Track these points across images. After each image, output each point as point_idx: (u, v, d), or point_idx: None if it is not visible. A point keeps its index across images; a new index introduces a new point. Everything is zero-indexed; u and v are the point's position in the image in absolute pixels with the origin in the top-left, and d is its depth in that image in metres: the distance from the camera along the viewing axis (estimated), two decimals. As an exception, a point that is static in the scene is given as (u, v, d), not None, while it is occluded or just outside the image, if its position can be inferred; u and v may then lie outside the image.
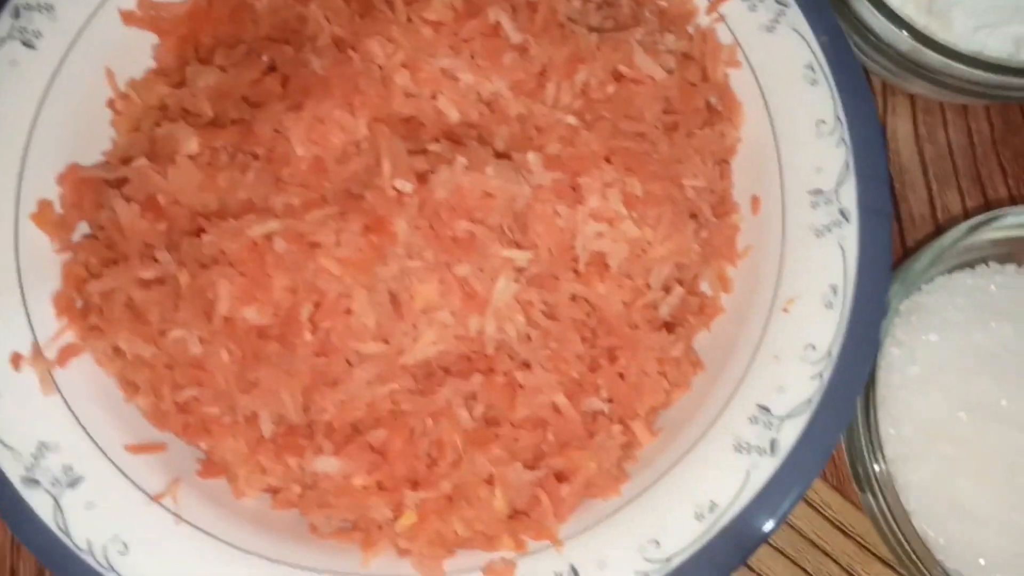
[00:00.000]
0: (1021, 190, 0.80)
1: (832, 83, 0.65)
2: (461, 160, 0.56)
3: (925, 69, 0.71)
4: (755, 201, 0.66)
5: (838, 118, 0.64)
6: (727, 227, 0.68)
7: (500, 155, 0.61)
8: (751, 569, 0.69)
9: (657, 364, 0.63)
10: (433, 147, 0.58)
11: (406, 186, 0.56)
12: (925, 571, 0.59)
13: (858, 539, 0.70)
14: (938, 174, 0.80)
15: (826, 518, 0.70)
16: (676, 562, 0.56)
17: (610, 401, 0.62)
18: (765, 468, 0.57)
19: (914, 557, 0.59)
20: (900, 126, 0.81)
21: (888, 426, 0.63)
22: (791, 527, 0.70)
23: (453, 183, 0.56)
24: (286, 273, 0.56)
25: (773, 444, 0.58)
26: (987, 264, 0.69)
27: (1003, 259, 0.69)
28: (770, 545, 0.69)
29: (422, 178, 0.57)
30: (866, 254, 0.61)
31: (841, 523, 0.70)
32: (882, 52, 0.72)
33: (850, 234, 0.62)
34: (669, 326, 0.65)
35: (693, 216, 0.66)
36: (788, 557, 0.70)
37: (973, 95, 0.75)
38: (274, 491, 0.61)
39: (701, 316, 0.66)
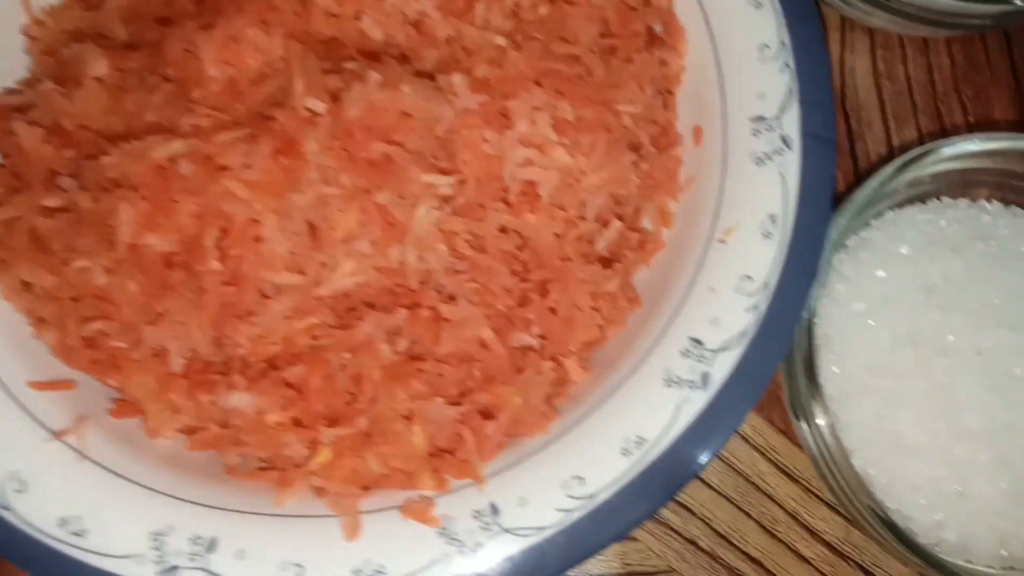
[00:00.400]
0: (982, 128, 0.77)
1: (777, 5, 0.62)
2: (375, 76, 0.53)
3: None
4: (697, 131, 0.64)
5: (782, 42, 0.61)
6: (669, 160, 0.65)
7: (423, 75, 0.58)
8: (692, 513, 0.67)
9: (590, 299, 0.60)
10: (350, 66, 0.55)
11: (318, 106, 0.54)
12: (864, 512, 0.56)
13: (804, 483, 0.68)
14: (896, 112, 0.77)
15: (771, 461, 0.68)
16: (600, 498, 0.54)
17: (541, 337, 0.59)
18: (696, 402, 0.55)
19: (853, 498, 0.57)
20: (858, 63, 0.78)
21: (831, 364, 0.61)
22: (735, 471, 0.68)
23: (366, 101, 0.53)
24: (191, 197, 0.53)
25: (705, 377, 0.55)
26: (939, 199, 0.66)
27: (956, 193, 0.67)
28: (713, 489, 0.67)
29: (336, 97, 0.54)
30: (807, 183, 0.58)
31: (787, 467, 0.68)
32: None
33: (791, 162, 0.59)
34: (606, 261, 0.62)
35: (634, 148, 0.63)
36: (732, 501, 0.67)
37: (933, 24, 0.72)
38: (191, 431, 0.59)
39: (641, 252, 0.64)
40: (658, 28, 0.67)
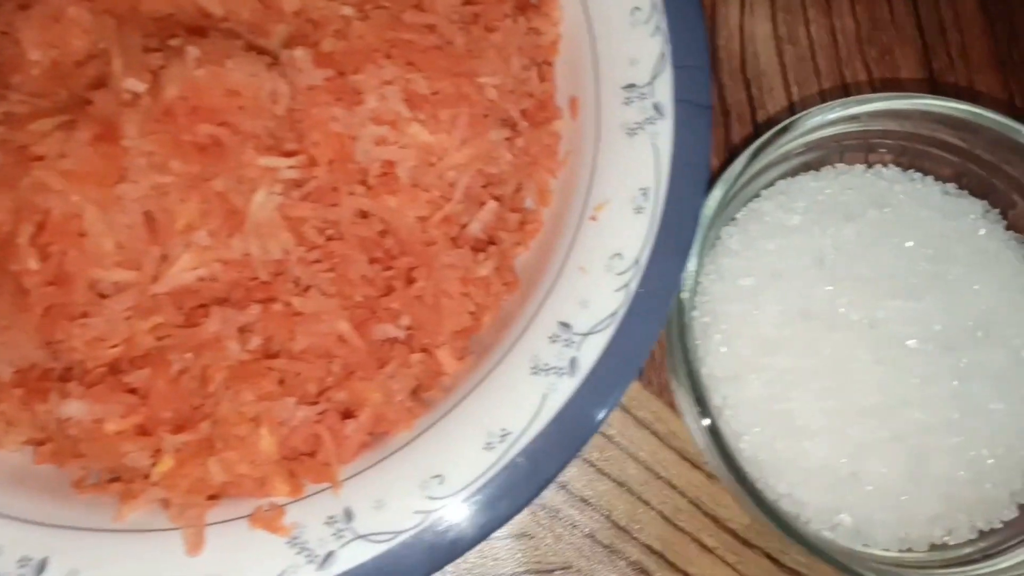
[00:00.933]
0: (887, 89, 0.74)
1: (648, -35, 0.58)
2: (193, 52, 0.49)
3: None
4: (573, 103, 0.60)
5: (654, 4, 0.57)
6: (547, 135, 0.61)
7: (266, 52, 0.54)
8: (591, 506, 0.64)
9: (461, 284, 0.56)
10: (174, 42, 0.51)
11: (138, 86, 0.49)
12: (752, 494, 0.53)
13: (707, 470, 0.64)
14: (798, 77, 0.74)
15: (672, 448, 0.65)
16: (461, 498, 0.50)
17: (410, 328, 0.55)
18: (563, 390, 0.51)
19: (741, 482, 0.53)
20: (759, 27, 0.74)
21: (720, 344, 0.57)
22: (635, 459, 0.64)
23: (184, 79, 0.49)
24: (4, 191, 0.49)
25: (573, 363, 0.52)
26: (834, 165, 0.63)
27: (856, 158, 0.64)
28: (612, 480, 0.64)
29: (157, 76, 0.50)
30: (681, 153, 0.55)
31: (688, 454, 0.65)
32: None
33: (664, 131, 0.55)
34: (481, 243, 0.58)
35: (506, 123, 0.59)
36: (632, 492, 0.64)
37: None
38: (38, 443, 0.55)
39: (520, 233, 0.60)
40: (533, -5, 0.63)
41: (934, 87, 0.74)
